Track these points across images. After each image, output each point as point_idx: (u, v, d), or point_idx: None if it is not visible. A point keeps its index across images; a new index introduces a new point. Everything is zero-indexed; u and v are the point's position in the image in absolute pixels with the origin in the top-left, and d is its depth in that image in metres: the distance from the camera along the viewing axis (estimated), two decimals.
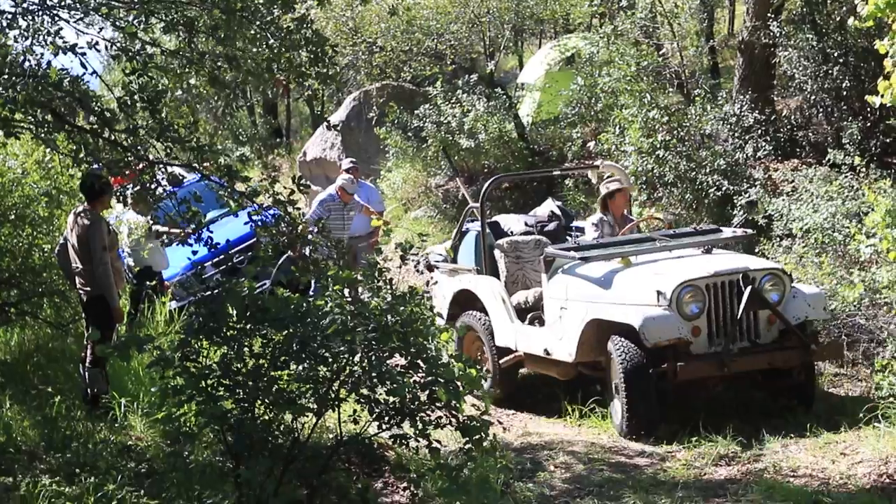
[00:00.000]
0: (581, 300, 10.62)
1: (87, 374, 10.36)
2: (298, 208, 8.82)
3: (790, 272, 10.75)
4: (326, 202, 14.81)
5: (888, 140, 14.70)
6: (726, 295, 10.01)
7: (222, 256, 15.46)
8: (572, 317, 10.67)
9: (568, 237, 12.74)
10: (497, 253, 12.25)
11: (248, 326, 7.39)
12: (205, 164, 8.62)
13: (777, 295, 10.18)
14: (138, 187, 8.92)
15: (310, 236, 8.77)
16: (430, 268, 13.07)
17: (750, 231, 11.88)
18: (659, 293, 9.89)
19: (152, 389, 8.73)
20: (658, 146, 15.05)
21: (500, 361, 11.72)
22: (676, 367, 9.62)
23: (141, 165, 8.68)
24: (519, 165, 20.05)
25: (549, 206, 13.86)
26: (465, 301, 12.38)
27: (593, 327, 10.44)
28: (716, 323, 10.01)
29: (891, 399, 9.60)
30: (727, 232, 11.57)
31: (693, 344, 9.89)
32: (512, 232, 12.77)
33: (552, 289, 11.11)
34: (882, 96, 8.90)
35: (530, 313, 11.65)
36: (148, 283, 13.79)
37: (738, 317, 9.91)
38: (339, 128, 21.24)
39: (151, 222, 13.48)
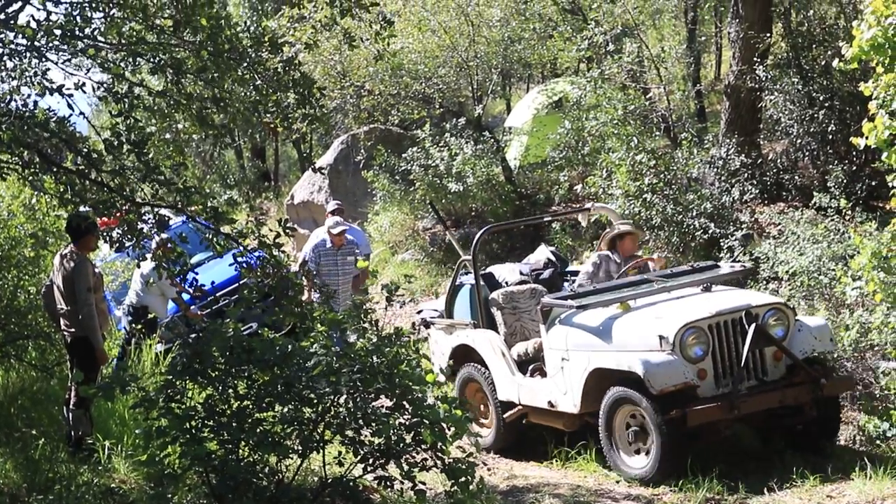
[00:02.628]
0: (582, 349, 10.31)
1: (70, 415, 10.32)
2: (284, 251, 8.80)
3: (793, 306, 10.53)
4: (318, 247, 14.70)
5: (873, 183, 14.76)
6: (730, 334, 9.77)
7: (208, 299, 15.41)
8: (574, 367, 10.37)
9: (564, 283, 12.59)
10: (493, 306, 11.96)
11: (232, 368, 7.37)
12: (191, 208, 8.60)
13: (782, 330, 9.93)
14: (125, 228, 8.89)
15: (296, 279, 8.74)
16: (427, 324, 12.88)
17: (748, 265, 11.67)
18: (661, 337, 9.63)
19: (136, 431, 8.70)
20: (645, 189, 15.10)
21: (504, 416, 11.44)
22: (685, 413, 9.33)
23: (127, 207, 8.67)
24: (506, 209, 20.06)
25: (543, 252, 13.62)
26: (463, 356, 12.07)
27: (596, 376, 10.13)
28: (721, 364, 9.74)
29: (877, 442, 9.60)
30: (725, 268, 11.31)
31: (700, 387, 9.57)
32: (506, 282, 12.47)
33: (552, 339, 10.76)
34: (867, 138, 8.94)
35: (531, 364, 11.32)
36: (134, 324, 13.74)
37: (745, 356, 9.66)
38: (326, 171, 21.36)
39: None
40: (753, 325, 9.64)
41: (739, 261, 12.86)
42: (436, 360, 12.47)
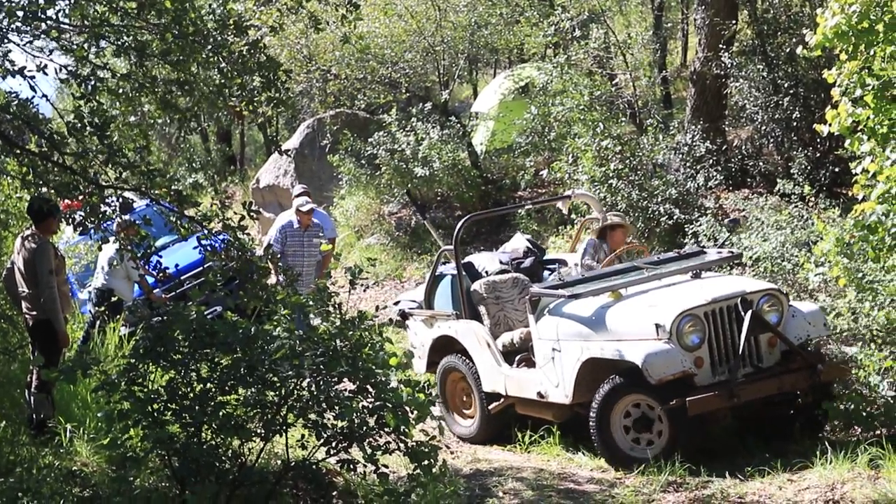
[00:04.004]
0: (574, 339, 10.10)
1: (32, 399, 10.27)
2: (248, 234, 8.76)
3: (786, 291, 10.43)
4: (285, 228, 14.61)
5: (837, 170, 14.87)
6: (726, 321, 9.63)
7: (172, 282, 15.36)
8: (566, 358, 10.15)
9: (545, 272, 12.37)
10: (476, 296, 11.72)
11: (195, 351, 7.36)
12: (154, 191, 8.54)
13: (776, 316, 9.78)
14: (88, 210, 8.83)
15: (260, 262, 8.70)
16: (405, 316, 12.64)
17: (737, 251, 11.48)
18: (658, 326, 9.46)
19: (98, 414, 8.65)
20: (611, 175, 15.15)
21: (490, 407, 11.26)
22: (686, 402, 9.16)
23: (90, 189, 8.61)
24: (472, 194, 20.12)
25: (520, 240, 13.34)
26: (443, 348, 11.92)
27: (589, 367, 9.94)
28: (717, 351, 9.59)
29: (837, 425, 9.66)
30: (712, 254, 11.15)
31: (697, 376, 9.42)
32: (487, 272, 12.22)
33: (541, 329, 10.52)
34: (830, 125, 9.00)
35: (518, 355, 11.08)
36: (99, 307, 13.66)
37: (743, 343, 9.51)
38: (292, 154, 21.32)
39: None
40: (750, 312, 9.51)
41: (704, 246, 12.86)
42: (415, 351, 12.32)
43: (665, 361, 9.25)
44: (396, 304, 13.27)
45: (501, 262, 12.46)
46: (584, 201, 13.03)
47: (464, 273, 11.83)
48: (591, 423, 9.89)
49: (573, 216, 15.25)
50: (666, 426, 9.49)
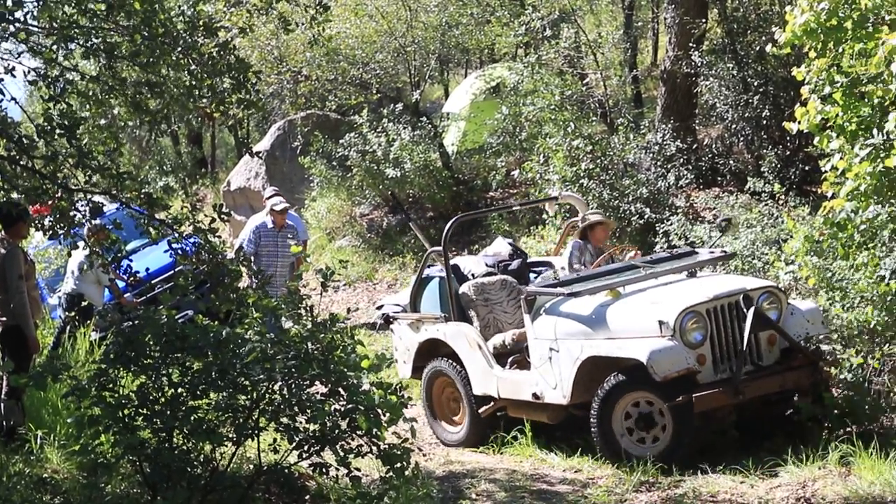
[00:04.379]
0: (573, 338, 9.96)
1: (2, 405, 10.18)
2: (219, 237, 8.73)
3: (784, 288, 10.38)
4: (259, 229, 14.57)
5: (806, 168, 14.96)
6: (727, 318, 9.57)
7: (143, 286, 15.30)
8: (564, 357, 10.01)
9: (532, 273, 12.27)
10: (465, 298, 11.54)
11: (166, 356, 7.33)
12: (125, 195, 8.50)
13: (776, 314, 9.73)
14: (58, 215, 8.78)
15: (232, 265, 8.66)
16: (388, 320, 12.46)
17: (729, 251, 11.43)
18: (661, 323, 9.37)
19: (69, 420, 8.61)
20: (582, 175, 15.17)
21: (480, 410, 11.09)
22: (692, 399, 9.14)
23: (59, 193, 8.56)
24: (444, 195, 20.09)
25: (501, 244, 13.15)
26: (429, 352, 11.78)
27: (589, 365, 9.82)
28: (719, 349, 9.53)
29: (809, 423, 9.68)
30: (704, 253, 11.10)
31: (700, 373, 9.35)
32: (473, 274, 12.06)
33: (538, 329, 10.33)
34: (799, 123, 9.03)
35: (510, 357, 10.90)
36: (68, 313, 13.60)
37: (746, 340, 9.44)
38: (263, 157, 21.26)
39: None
40: (752, 309, 9.46)
41: (676, 245, 12.89)
42: (399, 356, 12.17)
43: (670, 358, 9.18)
44: (379, 308, 13.11)
45: (487, 265, 12.30)
46: (571, 202, 12.98)
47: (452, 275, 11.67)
48: (591, 423, 9.82)
49: (545, 217, 15.26)
50: (669, 424, 9.44)
